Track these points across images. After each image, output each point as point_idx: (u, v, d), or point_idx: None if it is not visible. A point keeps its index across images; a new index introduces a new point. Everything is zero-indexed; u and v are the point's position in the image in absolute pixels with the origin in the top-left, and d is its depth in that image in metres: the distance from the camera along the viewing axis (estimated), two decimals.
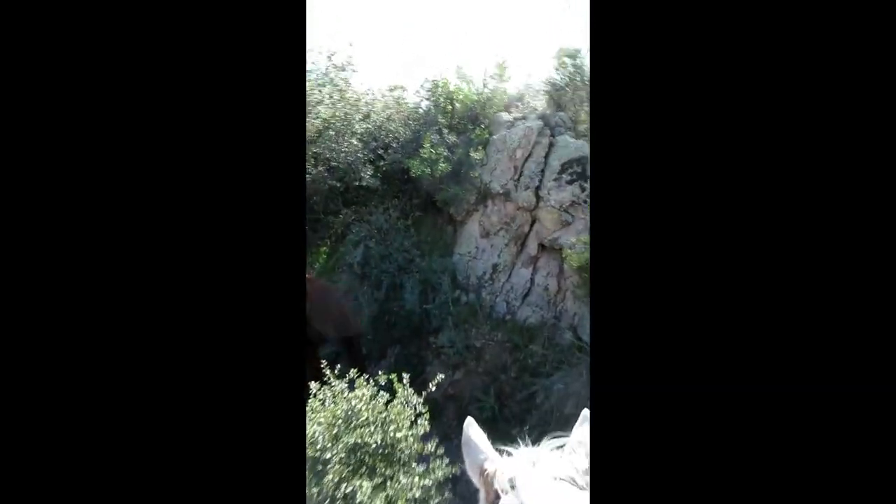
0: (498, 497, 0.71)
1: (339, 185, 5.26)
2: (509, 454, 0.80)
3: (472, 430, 0.84)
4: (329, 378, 2.39)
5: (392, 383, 2.38)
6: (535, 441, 0.81)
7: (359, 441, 2.02)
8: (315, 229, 6.85)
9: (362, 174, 5.05)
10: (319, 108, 5.30)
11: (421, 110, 5.86)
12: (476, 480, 0.79)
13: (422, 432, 2.25)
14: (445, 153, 5.25)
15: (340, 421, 2.11)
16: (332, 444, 2.01)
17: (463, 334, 4.70)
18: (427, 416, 2.23)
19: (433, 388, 2.43)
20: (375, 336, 5.20)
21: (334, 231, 6.30)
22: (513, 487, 0.69)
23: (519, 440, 0.82)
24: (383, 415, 2.14)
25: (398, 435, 2.09)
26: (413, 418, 2.19)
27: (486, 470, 0.77)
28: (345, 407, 2.17)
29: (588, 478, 0.68)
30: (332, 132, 5.34)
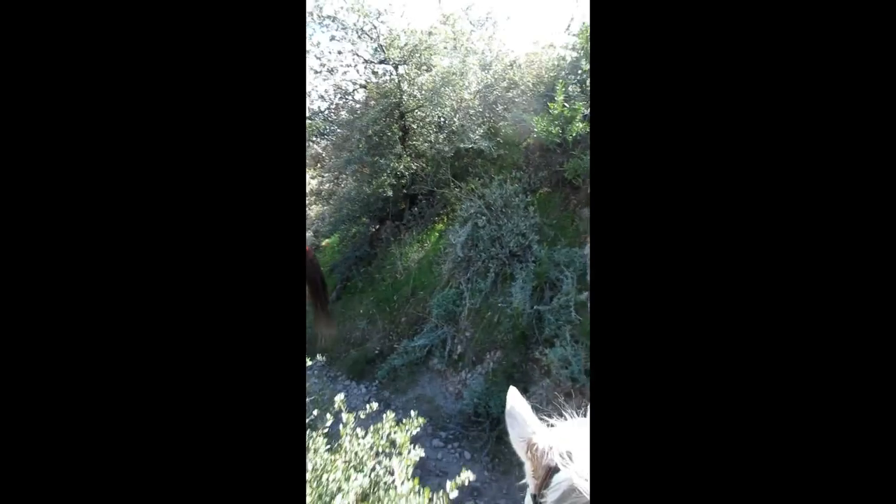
0: (549, 472, 0.68)
1: (447, 149, 4.39)
2: (552, 426, 0.78)
3: (516, 400, 0.80)
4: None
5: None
6: (582, 411, 0.76)
7: None
8: (430, 203, 6.21)
9: (471, 135, 4.07)
10: (434, 59, 4.48)
11: (564, 61, 4.59)
12: (522, 454, 0.75)
13: None
14: (585, 111, 3.96)
15: None
16: None
17: (583, 353, 3.47)
18: None
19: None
20: (474, 334, 4.28)
21: (450, 207, 5.54)
22: (571, 460, 0.66)
23: (563, 413, 0.78)
24: None
25: None
26: None
27: (535, 444, 0.73)
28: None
29: None
30: (447, 88, 4.48)
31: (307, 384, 4.99)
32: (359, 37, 4.57)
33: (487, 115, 4.34)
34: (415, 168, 5.29)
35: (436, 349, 4.44)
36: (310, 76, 4.91)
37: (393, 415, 1.90)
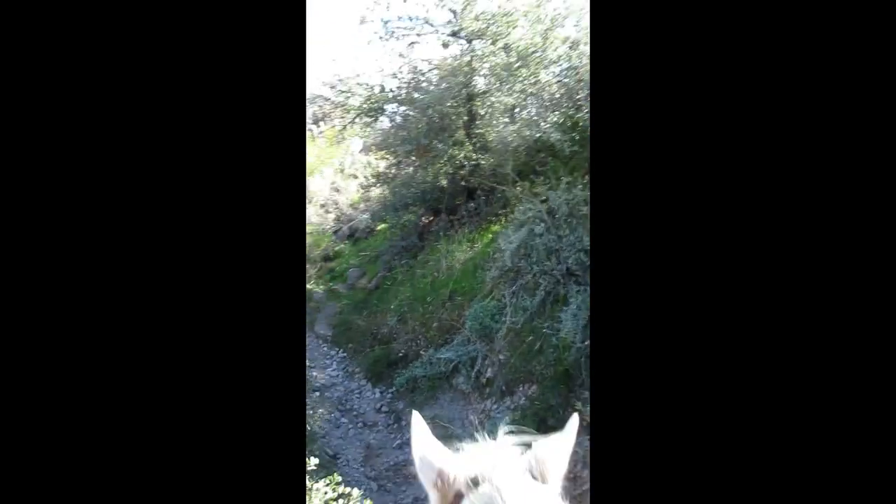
0: (459, 497, 0.66)
1: (512, 139, 3.75)
2: (458, 450, 0.75)
3: (422, 428, 0.75)
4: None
5: None
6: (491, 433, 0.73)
7: None
8: (489, 201, 5.60)
9: (542, 124, 3.40)
10: (513, 32, 3.84)
11: None
12: (428, 485, 0.71)
13: None
14: None
15: None
16: None
17: None
18: None
19: None
20: (508, 359, 3.62)
21: (511, 207, 4.90)
22: (481, 482, 0.64)
23: (475, 435, 0.74)
24: None
25: None
26: None
27: (446, 473, 0.69)
28: None
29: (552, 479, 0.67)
30: (523, 69, 3.83)
31: (323, 375, 4.64)
32: (435, 4, 4.08)
33: (565, 103, 3.62)
34: (476, 159, 4.71)
35: (463, 366, 3.85)
36: (375, 42, 4.51)
37: (338, 479, 1.35)
